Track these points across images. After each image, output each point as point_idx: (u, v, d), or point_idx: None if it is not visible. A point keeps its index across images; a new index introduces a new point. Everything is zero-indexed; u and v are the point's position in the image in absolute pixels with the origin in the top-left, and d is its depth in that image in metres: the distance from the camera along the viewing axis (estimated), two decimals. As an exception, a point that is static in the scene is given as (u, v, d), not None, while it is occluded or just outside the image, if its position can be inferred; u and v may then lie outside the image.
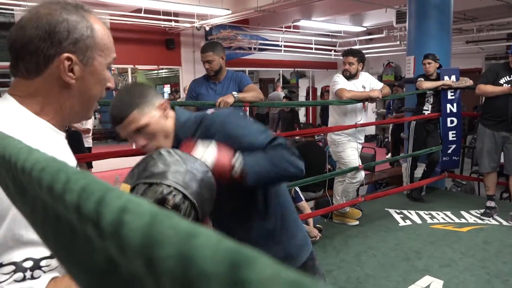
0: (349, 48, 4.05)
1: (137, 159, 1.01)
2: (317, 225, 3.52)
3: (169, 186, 0.80)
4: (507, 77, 3.59)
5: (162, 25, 7.49)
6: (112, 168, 4.99)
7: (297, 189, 3.50)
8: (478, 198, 4.43)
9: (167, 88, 13.85)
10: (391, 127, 6.62)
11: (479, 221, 3.71)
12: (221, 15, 6.96)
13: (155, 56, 8.26)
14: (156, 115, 1.17)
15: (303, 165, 1.17)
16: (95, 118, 8.07)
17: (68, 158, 0.79)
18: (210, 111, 1.26)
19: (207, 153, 1.03)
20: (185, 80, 7.61)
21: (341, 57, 3.78)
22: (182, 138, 1.16)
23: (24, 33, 0.72)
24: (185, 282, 0.19)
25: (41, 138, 0.72)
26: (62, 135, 0.81)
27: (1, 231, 0.64)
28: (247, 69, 10.41)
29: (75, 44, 0.74)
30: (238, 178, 1.06)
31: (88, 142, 5.37)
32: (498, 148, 3.69)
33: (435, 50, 4.34)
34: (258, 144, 1.13)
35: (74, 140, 3.49)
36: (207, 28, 7.85)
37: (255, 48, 9.22)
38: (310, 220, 3.37)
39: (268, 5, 6.20)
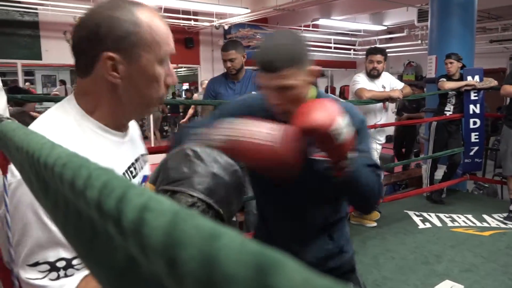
0: (374, 46, 3.99)
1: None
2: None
3: (192, 196, 0.74)
4: (534, 77, 3.49)
5: (182, 24, 7.56)
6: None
7: None
8: (501, 202, 4.31)
9: (185, 86, 13.98)
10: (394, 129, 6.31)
11: (502, 225, 3.62)
12: (240, 14, 6.97)
13: (174, 54, 8.32)
14: (306, 80, 1.07)
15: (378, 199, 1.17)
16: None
17: (113, 160, 0.78)
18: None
19: (346, 130, 0.95)
20: (203, 79, 7.65)
21: (363, 56, 3.73)
22: None
23: (76, 33, 0.73)
24: (208, 285, 0.18)
25: (77, 138, 0.73)
26: (116, 134, 0.81)
27: (37, 232, 0.67)
28: (265, 68, 10.40)
29: (118, 42, 0.71)
30: (343, 169, 1.02)
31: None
32: (524, 150, 3.59)
33: (457, 49, 4.24)
34: (367, 158, 1.12)
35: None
36: (226, 27, 7.88)
37: (273, 47, 9.19)
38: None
39: (287, 4, 6.18)
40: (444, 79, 4.09)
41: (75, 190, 0.32)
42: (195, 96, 7.03)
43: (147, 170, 0.94)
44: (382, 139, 3.65)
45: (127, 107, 0.78)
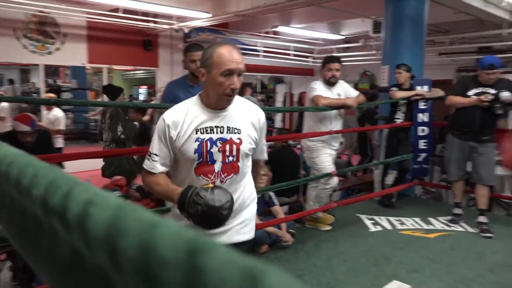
0: (332, 55, 4.11)
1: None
2: (290, 230, 3.54)
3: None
4: (475, 89, 3.72)
5: (140, 26, 7.42)
6: (83, 169, 4.86)
7: (272, 193, 3.53)
8: (446, 205, 4.56)
9: (143, 90, 13.69)
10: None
11: (446, 228, 3.83)
12: (201, 18, 6.95)
13: (132, 56, 8.17)
14: None
15: None
16: (67, 117, 7.90)
17: (198, 120, 1.58)
18: None
19: None
20: (162, 83, 7.54)
21: (320, 64, 3.84)
22: None
23: None
24: (146, 269, 0.20)
25: (191, 111, 1.60)
26: (210, 110, 1.59)
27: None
28: (225, 73, 10.40)
29: (204, 63, 1.56)
30: None
31: (59, 142, 5.26)
32: (465, 157, 3.82)
33: (408, 60, 4.47)
34: None
35: (44, 140, 3.41)
36: (186, 31, 7.83)
37: (234, 52, 9.23)
38: (283, 225, 3.39)
39: (248, 10, 6.24)
40: (395, 89, 4.29)
41: (20, 187, 0.33)
42: (154, 101, 6.93)
43: (229, 137, 1.59)
44: (337, 145, 3.76)
45: (209, 98, 1.59)
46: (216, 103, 1.57)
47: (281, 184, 3.37)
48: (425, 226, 3.85)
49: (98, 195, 0.27)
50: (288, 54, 10.13)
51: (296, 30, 8.72)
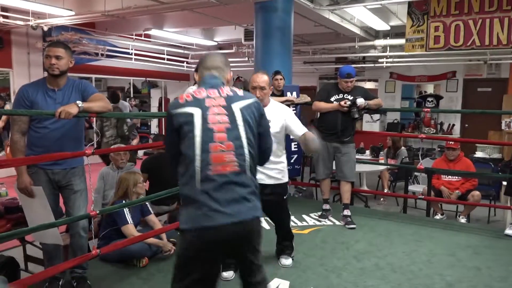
0: None
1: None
2: (171, 239, 3.43)
3: None
4: (336, 96, 4.13)
5: (-13, 20, 6.44)
6: None
7: (125, 212, 3.20)
8: (316, 202, 4.95)
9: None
10: None
11: (317, 223, 4.15)
12: (63, 16, 6.33)
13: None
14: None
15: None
16: None
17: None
18: None
19: None
20: (19, 86, 6.66)
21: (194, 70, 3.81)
22: None
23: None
24: None
25: None
26: None
27: None
28: (93, 76, 9.70)
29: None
30: None
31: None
32: (331, 157, 4.20)
33: (279, 67, 4.73)
34: None
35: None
36: (45, 28, 7.06)
37: (102, 54, 8.66)
38: (163, 234, 3.27)
39: (117, 10, 5.90)
40: (268, 94, 4.49)
41: None
42: (7, 106, 6.06)
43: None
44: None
45: None
46: None
47: (160, 193, 3.25)
48: (300, 223, 4.12)
49: None
50: (162, 58, 9.91)
51: (169, 34, 8.57)
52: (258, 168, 1.91)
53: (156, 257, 3.20)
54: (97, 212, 2.72)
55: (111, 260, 3.09)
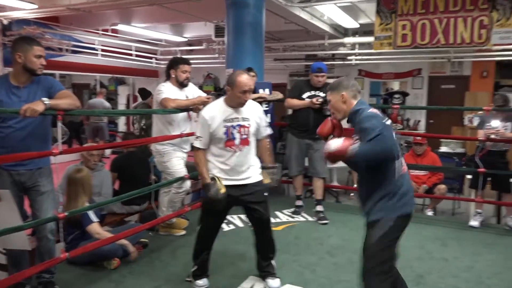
0: (182, 57, 4.04)
1: None
2: (142, 240, 3.36)
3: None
4: (308, 92, 4.15)
5: None
6: None
7: (90, 212, 3.02)
8: (289, 199, 4.97)
9: None
10: None
11: (291, 219, 4.18)
12: (24, 9, 6.06)
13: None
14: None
15: (391, 148, 1.92)
16: None
17: (216, 116, 2.53)
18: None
19: (334, 146, 2.01)
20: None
21: (165, 65, 3.76)
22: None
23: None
24: None
25: (213, 107, 2.60)
26: (232, 107, 2.55)
27: None
28: (57, 72, 9.36)
29: (230, 84, 2.53)
30: (350, 157, 1.95)
31: None
32: (303, 154, 4.23)
33: (251, 64, 4.70)
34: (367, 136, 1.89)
35: None
36: (5, 22, 6.74)
37: (67, 50, 8.36)
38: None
39: (82, 4, 5.69)
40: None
41: None
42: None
43: (242, 122, 2.57)
44: (187, 147, 3.72)
45: (232, 101, 2.55)
46: (234, 104, 2.57)
47: (131, 193, 3.16)
48: (273, 220, 4.10)
49: None
50: (130, 54, 9.67)
51: (137, 30, 8.37)
52: (241, 167, 2.62)
53: (128, 258, 3.12)
54: (66, 214, 2.61)
55: (79, 263, 2.98)
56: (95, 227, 3.01)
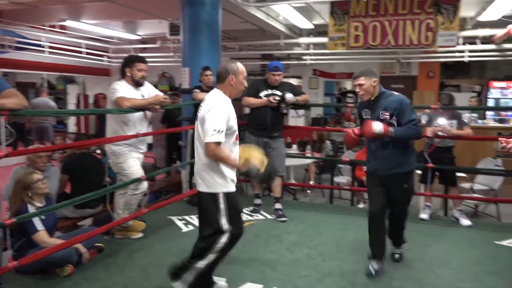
0: (139, 54, 3.94)
1: None
2: (97, 244, 3.23)
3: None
4: (265, 91, 4.18)
5: None
6: None
7: (35, 218, 2.84)
8: (247, 197, 4.98)
9: None
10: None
11: (250, 218, 4.19)
12: (-39, 2, 5.64)
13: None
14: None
15: (421, 134, 2.94)
16: None
17: (230, 108, 2.41)
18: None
19: (379, 128, 2.76)
20: None
21: (118, 64, 3.64)
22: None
23: (218, 70, 2.51)
24: None
25: (223, 100, 2.41)
26: (229, 99, 2.46)
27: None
28: (0, 70, 8.81)
29: (233, 72, 2.45)
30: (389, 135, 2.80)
31: None
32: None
33: (207, 63, 4.68)
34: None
35: None
36: None
37: (10, 46, 7.89)
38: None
39: (28, -1, 5.39)
40: (198, 90, 4.43)
41: None
42: None
43: None
44: (144, 148, 3.63)
45: (233, 92, 2.49)
46: (234, 96, 2.53)
47: (85, 196, 3.03)
48: (232, 219, 4.10)
49: None
50: (80, 52, 9.27)
51: (87, 26, 8.04)
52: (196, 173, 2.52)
53: (82, 264, 2.99)
54: (14, 220, 2.46)
55: (29, 271, 2.81)
56: (41, 236, 2.84)
